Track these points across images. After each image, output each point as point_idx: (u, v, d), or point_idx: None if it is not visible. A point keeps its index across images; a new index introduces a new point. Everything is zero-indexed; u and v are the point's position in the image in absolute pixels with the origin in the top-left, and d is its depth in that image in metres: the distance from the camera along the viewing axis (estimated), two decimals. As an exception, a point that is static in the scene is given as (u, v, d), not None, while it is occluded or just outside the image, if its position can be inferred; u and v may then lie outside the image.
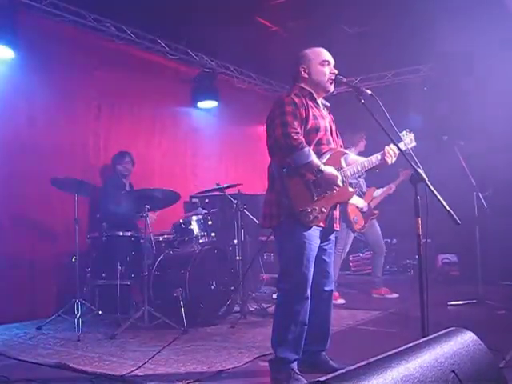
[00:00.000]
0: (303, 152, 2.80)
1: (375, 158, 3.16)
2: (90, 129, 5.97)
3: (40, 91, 5.34)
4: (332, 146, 3.10)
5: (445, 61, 6.83)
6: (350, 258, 8.14)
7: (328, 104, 3.25)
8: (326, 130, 3.06)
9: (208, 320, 4.69)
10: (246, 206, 5.24)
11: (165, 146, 6.89)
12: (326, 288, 3.16)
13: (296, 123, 2.88)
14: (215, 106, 7.33)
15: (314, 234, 2.95)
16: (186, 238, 5.14)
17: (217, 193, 5.45)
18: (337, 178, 2.92)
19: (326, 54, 3.14)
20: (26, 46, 5.04)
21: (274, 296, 5.51)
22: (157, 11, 5.64)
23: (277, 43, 6.48)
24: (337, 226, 3.17)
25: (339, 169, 3.02)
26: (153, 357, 3.47)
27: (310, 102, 3.04)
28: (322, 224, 2.96)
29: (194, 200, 6.04)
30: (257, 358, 3.49)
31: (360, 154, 4.98)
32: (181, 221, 5.24)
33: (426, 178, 2.64)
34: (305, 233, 2.91)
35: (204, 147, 7.49)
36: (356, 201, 5.55)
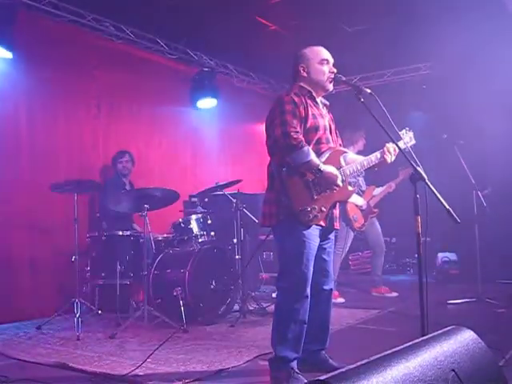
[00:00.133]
0: (302, 151, 2.80)
1: (374, 157, 3.15)
2: (90, 128, 5.97)
3: (39, 90, 5.35)
4: (331, 144, 3.10)
5: (444, 60, 6.83)
6: (350, 257, 8.14)
7: (327, 103, 3.24)
8: (325, 129, 3.06)
9: (208, 319, 4.69)
10: (246, 205, 5.24)
11: (164, 145, 6.89)
12: (326, 287, 3.15)
13: (295, 122, 2.88)
14: (214, 105, 7.33)
15: (313, 233, 2.95)
16: (186, 237, 5.13)
17: (216, 192, 5.45)
18: (336, 177, 2.91)
19: (325, 53, 3.14)
20: (24, 45, 5.04)
21: (274, 295, 5.50)
22: (156, 11, 5.65)
23: (276, 42, 6.47)
24: (337, 225, 3.17)
25: (339, 168, 3.01)
26: (152, 354, 3.47)
27: (309, 101, 3.04)
28: (321, 223, 2.96)
29: (193, 199, 6.03)
30: (256, 356, 3.49)
31: (359, 152, 4.98)
32: (180, 220, 5.24)
33: (426, 177, 2.64)
34: (304, 232, 2.91)
35: (203, 146, 7.49)
36: (355, 199, 5.55)
